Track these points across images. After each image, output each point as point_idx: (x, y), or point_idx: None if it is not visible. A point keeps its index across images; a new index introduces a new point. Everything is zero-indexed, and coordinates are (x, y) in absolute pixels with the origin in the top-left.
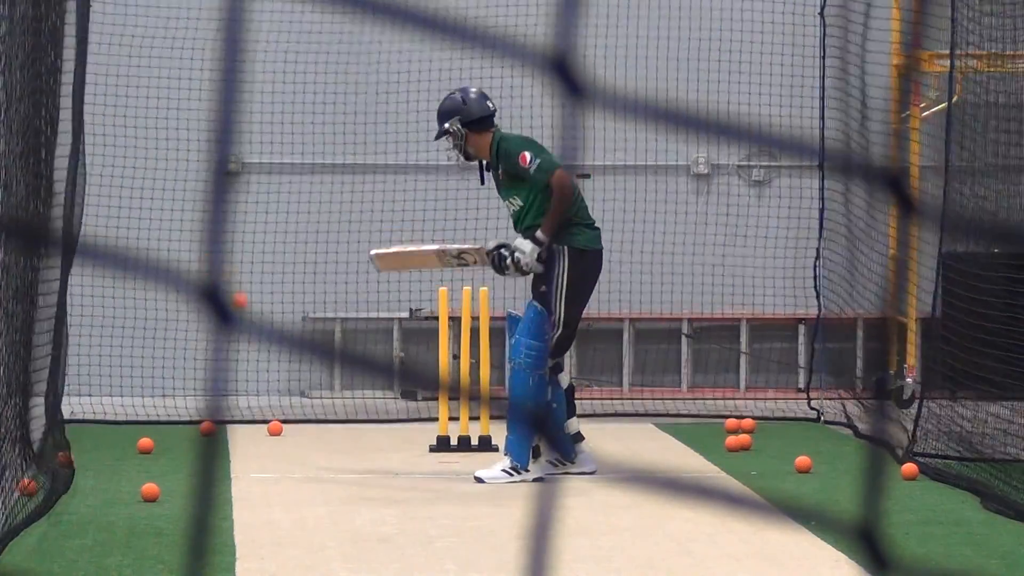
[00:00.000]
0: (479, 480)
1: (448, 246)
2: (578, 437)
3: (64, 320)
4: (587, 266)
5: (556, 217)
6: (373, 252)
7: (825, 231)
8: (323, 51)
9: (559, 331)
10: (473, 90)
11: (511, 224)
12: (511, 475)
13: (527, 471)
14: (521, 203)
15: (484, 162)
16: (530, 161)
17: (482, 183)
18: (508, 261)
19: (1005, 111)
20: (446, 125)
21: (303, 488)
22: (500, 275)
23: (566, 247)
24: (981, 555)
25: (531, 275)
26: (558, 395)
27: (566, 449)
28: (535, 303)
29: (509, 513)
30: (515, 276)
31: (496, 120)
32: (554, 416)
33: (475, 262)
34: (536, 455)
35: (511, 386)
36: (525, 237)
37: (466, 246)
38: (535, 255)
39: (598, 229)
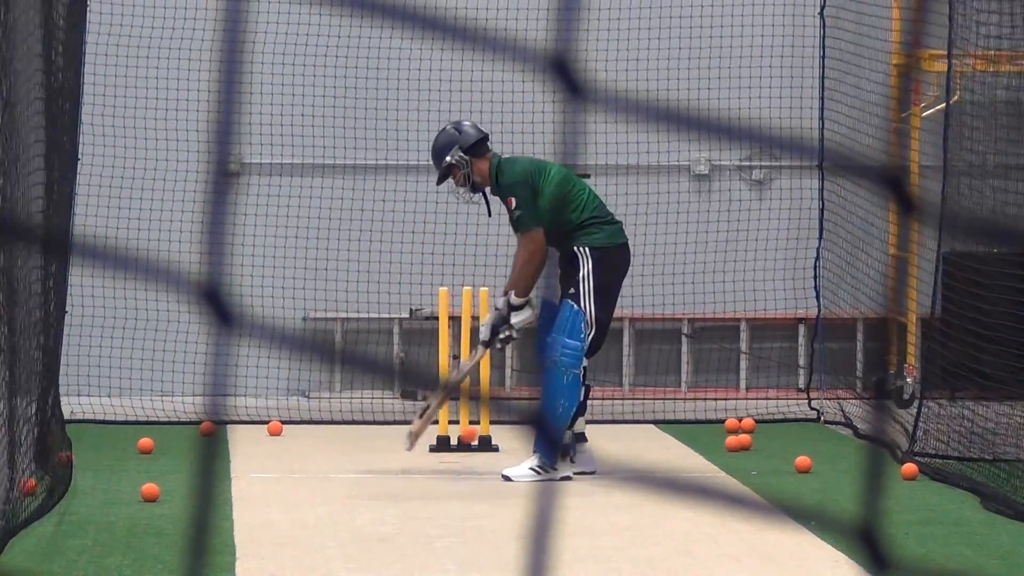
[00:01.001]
0: (506, 479)
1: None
2: (582, 437)
3: (63, 319)
4: (612, 263)
5: (519, 277)
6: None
7: (825, 231)
8: (323, 51)
9: (591, 332)
10: (465, 122)
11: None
12: (539, 473)
13: (555, 470)
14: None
15: (487, 190)
16: (514, 207)
17: (489, 215)
18: (505, 336)
19: (1005, 110)
20: (447, 158)
21: (303, 488)
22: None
23: (587, 247)
24: (981, 555)
25: (557, 277)
26: None
27: (564, 448)
28: (569, 301)
29: (509, 513)
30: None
31: (491, 142)
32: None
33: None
34: (565, 454)
35: (545, 384)
36: (500, 306)
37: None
38: (527, 317)
39: (619, 223)
